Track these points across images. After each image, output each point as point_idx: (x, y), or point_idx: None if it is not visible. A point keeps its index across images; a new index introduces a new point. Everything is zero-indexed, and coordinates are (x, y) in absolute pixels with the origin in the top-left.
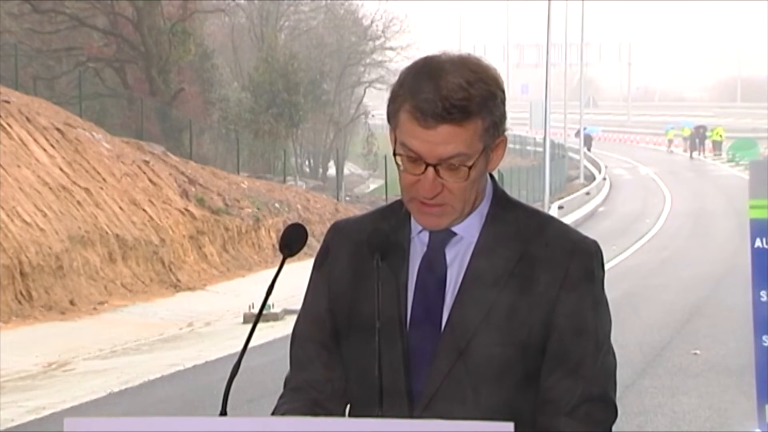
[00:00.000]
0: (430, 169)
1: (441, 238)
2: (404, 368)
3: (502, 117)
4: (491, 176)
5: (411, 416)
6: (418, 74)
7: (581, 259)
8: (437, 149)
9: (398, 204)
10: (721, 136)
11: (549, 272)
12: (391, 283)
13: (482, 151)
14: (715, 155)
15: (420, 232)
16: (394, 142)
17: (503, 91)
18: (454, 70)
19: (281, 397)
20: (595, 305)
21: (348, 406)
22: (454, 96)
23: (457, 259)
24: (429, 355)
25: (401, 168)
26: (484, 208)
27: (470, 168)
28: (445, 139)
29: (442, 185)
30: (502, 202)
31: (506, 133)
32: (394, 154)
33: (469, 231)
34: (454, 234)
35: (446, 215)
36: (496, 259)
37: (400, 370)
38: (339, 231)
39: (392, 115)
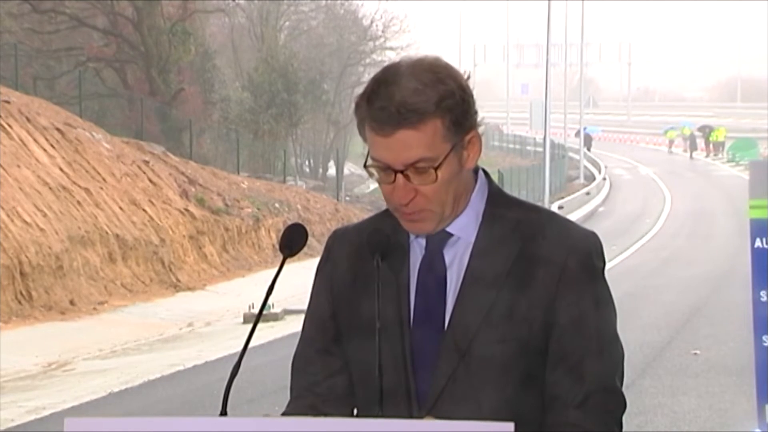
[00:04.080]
0: (399, 176)
1: (438, 240)
2: (408, 369)
3: (465, 114)
4: (486, 174)
5: (417, 417)
6: (375, 83)
7: (579, 253)
8: (400, 155)
9: None
10: (721, 136)
11: (547, 268)
12: (392, 284)
13: (450, 150)
14: (714, 155)
15: (417, 235)
16: (367, 154)
17: (463, 88)
18: (410, 74)
19: (287, 406)
20: (595, 298)
21: (354, 408)
22: (408, 100)
23: (456, 259)
24: (432, 356)
25: (375, 178)
26: (479, 206)
27: (437, 169)
28: (405, 145)
29: (415, 190)
30: (498, 200)
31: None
32: (365, 167)
33: (465, 231)
34: (451, 235)
35: (427, 220)
36: (494, 258)
37: (404, 371)
38: (339, 236)
39: (360, 128)
